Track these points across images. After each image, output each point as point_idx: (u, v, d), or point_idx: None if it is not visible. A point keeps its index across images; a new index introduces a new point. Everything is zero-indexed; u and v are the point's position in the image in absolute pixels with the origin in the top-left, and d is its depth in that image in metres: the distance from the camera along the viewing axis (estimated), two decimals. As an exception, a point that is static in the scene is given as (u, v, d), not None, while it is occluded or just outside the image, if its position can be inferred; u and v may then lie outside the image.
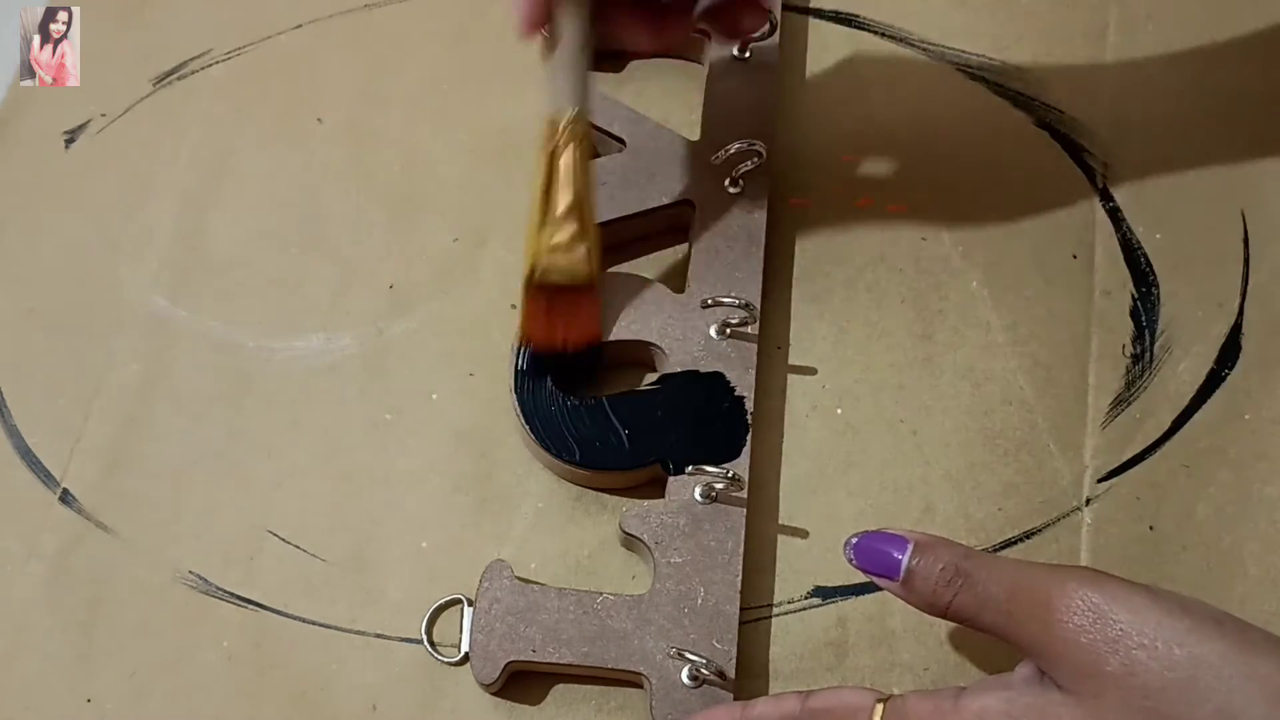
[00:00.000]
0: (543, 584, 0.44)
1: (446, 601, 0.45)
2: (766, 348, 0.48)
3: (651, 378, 0.48)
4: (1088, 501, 0.46)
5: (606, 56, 0.54)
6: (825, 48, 0.54)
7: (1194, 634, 0.32)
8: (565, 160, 0.43)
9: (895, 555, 0.38)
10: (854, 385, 0.48)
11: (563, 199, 0.43)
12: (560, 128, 0.43)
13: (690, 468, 0.44)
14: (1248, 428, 0.47)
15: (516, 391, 0.46)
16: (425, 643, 0.44)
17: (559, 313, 0.45)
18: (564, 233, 0.44)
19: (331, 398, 0.48)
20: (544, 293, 0.45)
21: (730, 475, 0.43)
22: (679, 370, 0.46)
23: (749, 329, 0.47)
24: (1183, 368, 0.48)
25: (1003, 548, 0.46)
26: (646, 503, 0.45)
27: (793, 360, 0.48)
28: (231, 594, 0.45)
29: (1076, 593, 0.34)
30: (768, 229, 0.48)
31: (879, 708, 0.36)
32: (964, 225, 0.51)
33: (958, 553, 0.37)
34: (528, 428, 0.45)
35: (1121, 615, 0.33)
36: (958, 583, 0.36)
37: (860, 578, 0.45)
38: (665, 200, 0.49)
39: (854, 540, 0.39)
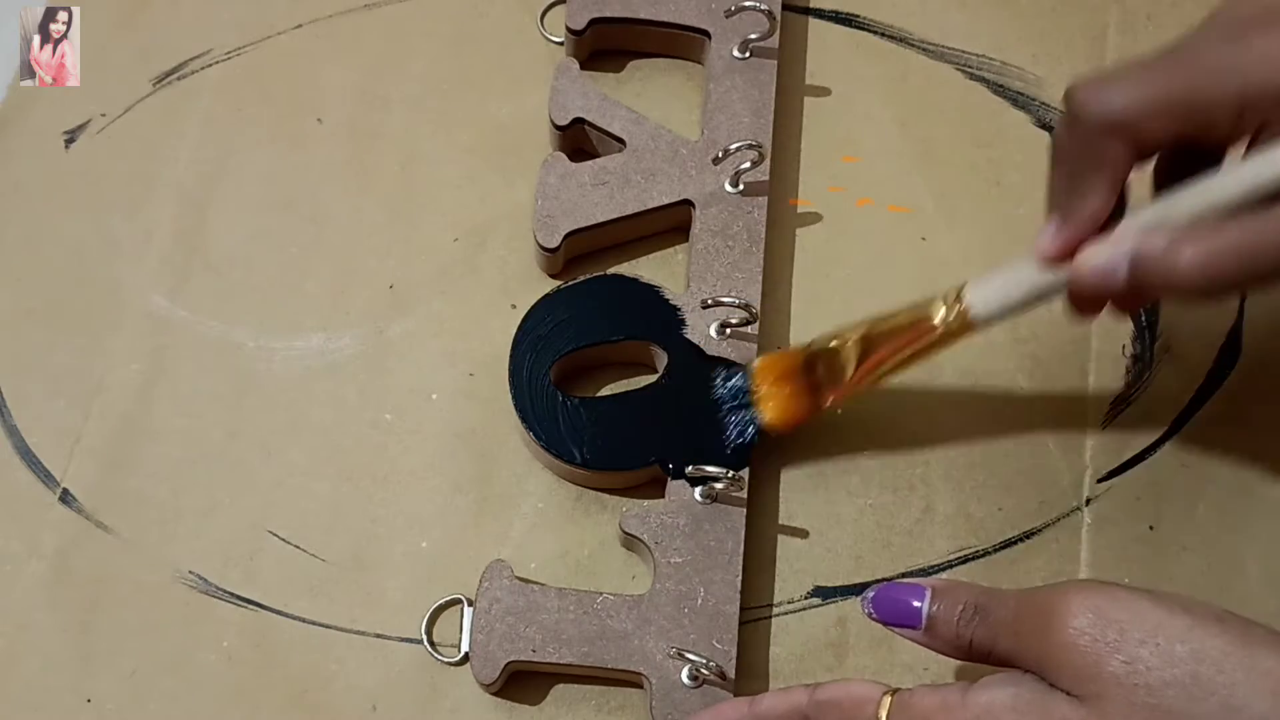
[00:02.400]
0: (543, 584, 0.44)
1: (446, 601, 0.45)
2: (766, 348, 0.48)
3: (651, 378, 0.48)
4: (1088, 501, 0.46)
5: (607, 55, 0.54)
6: (825, 48, 0.54)
7: (1195, 630, 0.32)
8: (928, 336, 0.41)
9: (914, 604, 0.37)
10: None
11: (889, 364, 0.42)
12: (955, 301, 0.41)
13: (690, 468, 0.44)
14: (1248, 428, 0.47)
15: (516, 392, 0.46)
16: (425, 643, 0.44)
17: (796, 382, 0.44)
18: (849, 374, 0.43)
19: (331, 398, 0.48)
20: (802, 364, 0.44)
21: (730, 475, 0.43)
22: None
23: (749, 329, 0.47)
24: (1183, 368, 0.48)
25: (1003, 548, 0.46)
26: (646, 503, 0.45)
27: (793, 360, 0.48)
28: (231, 594, 0.45)
29: (1076, 598, 0.34)
30: (768, 229, 0.48)
31: (886, 700, 0.36)
32: (964, 225, 0.51)
33: (973, 591, 0.37)
34: (528, 428, 0.45)
35: (1122, 615, 0.33)
36: (975, 620, 0.36)
37: (861, 578, 0.45)
38: (665, 200, 0.49)
39: (870, 594, 0.39)
